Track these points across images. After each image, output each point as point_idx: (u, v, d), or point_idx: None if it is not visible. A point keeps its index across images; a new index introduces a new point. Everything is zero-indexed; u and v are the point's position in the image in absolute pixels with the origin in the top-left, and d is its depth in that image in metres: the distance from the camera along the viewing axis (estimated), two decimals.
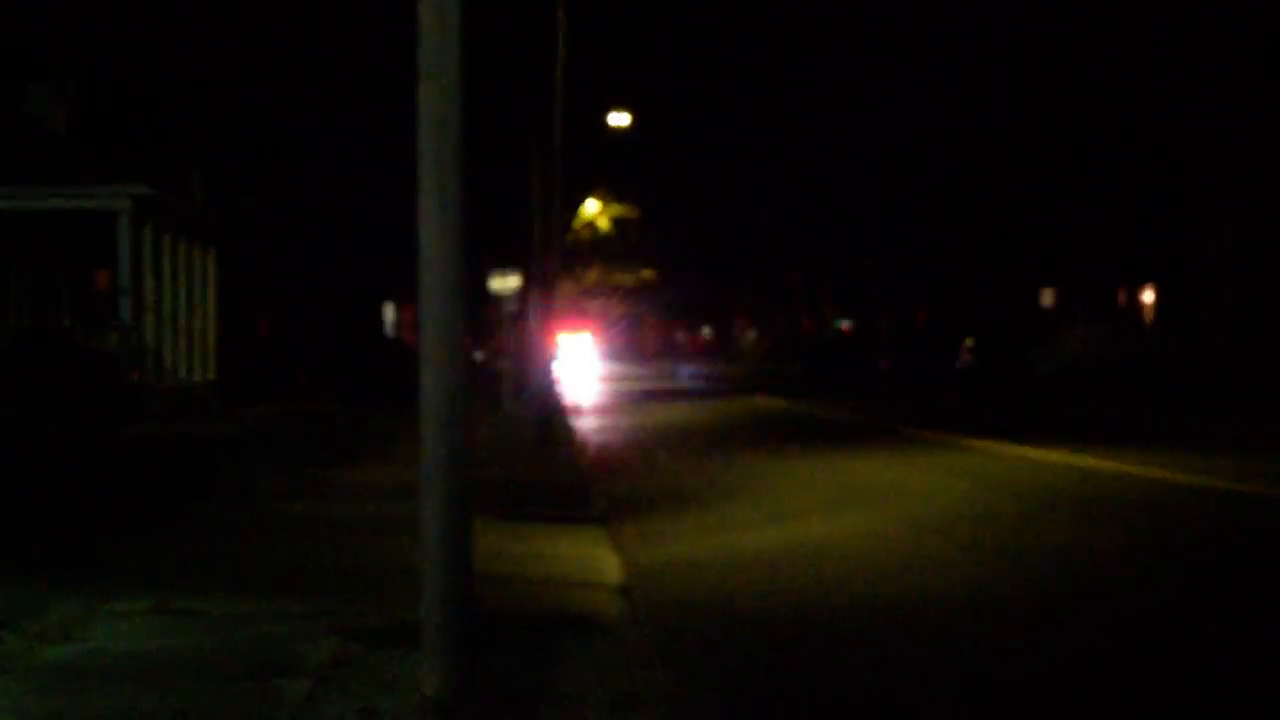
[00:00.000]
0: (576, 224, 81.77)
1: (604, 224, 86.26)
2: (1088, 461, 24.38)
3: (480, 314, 54.83)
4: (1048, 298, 74.18)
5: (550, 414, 30.80)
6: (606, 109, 54.72)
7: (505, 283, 39.01)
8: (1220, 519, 17.75)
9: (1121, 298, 70.79)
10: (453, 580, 8.28)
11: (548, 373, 32.48)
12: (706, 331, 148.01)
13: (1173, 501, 19.19)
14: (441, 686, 8.28)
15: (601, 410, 47.72)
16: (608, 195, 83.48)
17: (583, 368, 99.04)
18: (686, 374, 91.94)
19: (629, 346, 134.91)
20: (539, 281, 37.00)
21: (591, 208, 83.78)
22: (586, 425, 37.80)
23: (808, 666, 10.10)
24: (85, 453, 23.63)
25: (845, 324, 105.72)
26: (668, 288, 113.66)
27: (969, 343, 76.33)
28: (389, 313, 69.13)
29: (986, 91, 71.42)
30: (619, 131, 59.21)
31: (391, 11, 40.08)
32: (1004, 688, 9.50)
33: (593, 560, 14.68)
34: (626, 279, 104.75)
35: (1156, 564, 14.30)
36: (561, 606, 11.69)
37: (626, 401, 55.20)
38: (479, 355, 64.38)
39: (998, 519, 17.35)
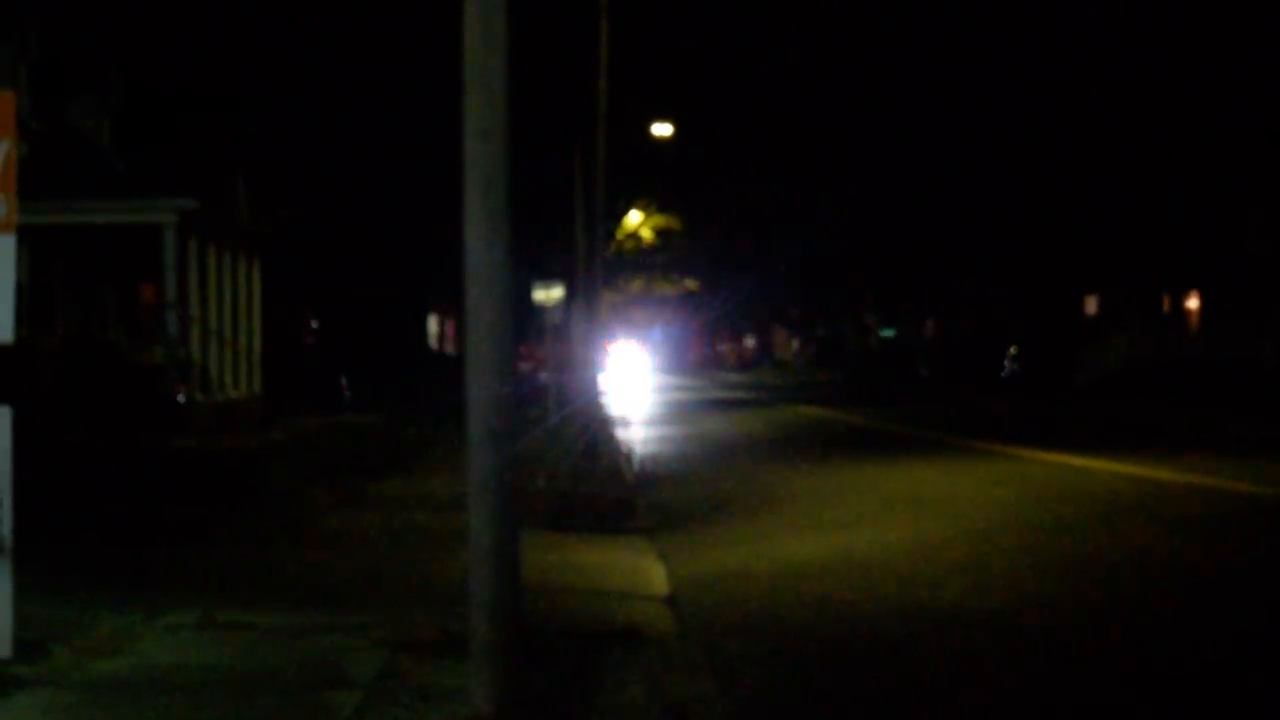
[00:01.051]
0: (620, 234, 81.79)
1: (647, 234, 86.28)
2: (1136, 469, 24.24)
3: (524, 325, 54.90)
4: (1091, 305, 73.99)
5: (596, 425, 30.77)
6: (650, 119, 54.73)
7: (549, 294, 38.98)
8: (1273, 527, 17.63)
9: (1166, 304, 70.50)
10: (501, 592, 8.26)
11: (593, 383, 32.48)
12: (750, 341, 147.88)
13: (1219, 508, 19.07)
14: (490, 698, 8.26)
15: (646, 421, 47.69)
16: (651, 205, 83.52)
17: (628, 378, 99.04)
18: (730, 384, 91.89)
19: (673, 357, 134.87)
20: (583, 292, 37.02)
21: (635, 218, 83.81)
22: (632, 436, 37.78)
23: (856, 678, 10.04)
24: (131, 465, 23.69)
25: (889, 333, 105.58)
26: (710, 298, 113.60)
27: (1013, 351, 76.10)
28: (432, 324, 69.26)
29: (1028, 97, 71.21)
30: (662, 141, 59.23)
31: (437, 20, 40.14)
32: (1055, 698, 9.44)
33: (639, 571, 14.66)
34: (669, 289, 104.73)
35: (1204, 572, 14.21)
36: (608, 618, 11.66)
37: (671, 412, 55.17)
38: (524, 366, 64.44)
39: (1044, 527, 17.25)
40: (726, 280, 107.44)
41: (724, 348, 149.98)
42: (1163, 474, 23.33)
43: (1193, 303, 69.15)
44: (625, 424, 44.49)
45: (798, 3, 75.84)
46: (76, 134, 39.38)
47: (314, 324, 56.69)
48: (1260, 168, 60.29)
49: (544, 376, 43.25)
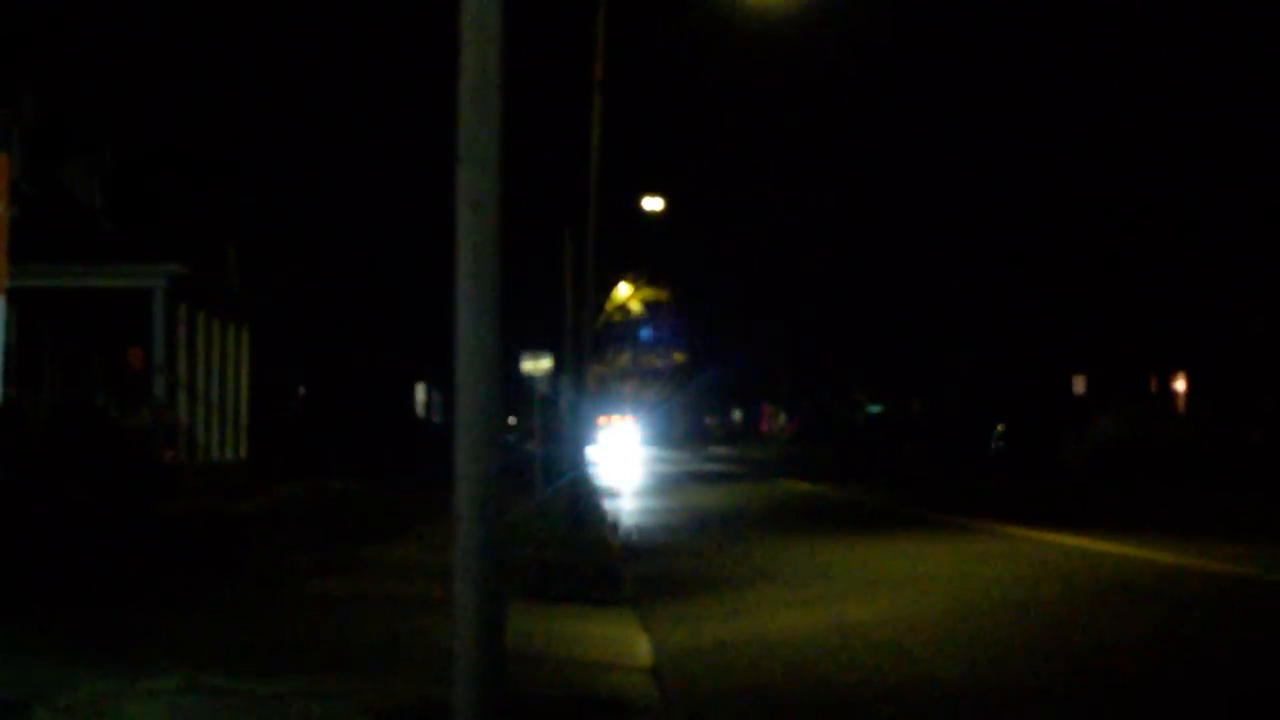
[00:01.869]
0: (609, 307, 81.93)
1: (636, 307, 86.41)
2: (1121, 549, 24.25)
3: (512, 395, 54.94)
4: (1079, 384, 74.15)
5: (582, 496, 30.77)
6: (641, 192, 54.93)
7: (537, 364, 39.01)
8: (1259, 609, 17.62)
9: (1153, 384, 70.70)
10: (485, 662, 8.26)
11: (580, 454, 32.49)
12: (736, 415, 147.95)
13: (1206, 590, 19.07)
14: None
15: (633, 492, 47.68)
16: (640, 278, 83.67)
17: (616, 449, 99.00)
18: (717, 457, 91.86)
19: (660, 429, 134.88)
20: (571, 363, 37.06)
21: (624, 290, 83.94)
22: (619, 507, 37.76)
23: None
24: (116, 528, 23.64)
25: (875, 409, 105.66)
26: (698, 371, 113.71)
27: (1000, 429, 76.16)
28: (420, 392, 69.26)
29: (1018, 177, 71.52)
30: (653, 216, 59.43)
31: (430, 91, 40.33)
32: None
33: (623, 642, 14.64)
34: (656, 362, 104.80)
35: (1187, 654, 14.20)
36: (592, 688, 11.65)
37: (657, 484, 55.16)
38: (511, 437, 64.41)
39: (1030, 606, 17.25)
40: (714, 354, 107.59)
41: (710, 421, 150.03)
42: (1150, 554, 23.34)
43: (1180, 384, 69.38)
44: (612, 495, 44.47)
45: (787, 80, 76.16)
46: (68, 197, 39.46)
47: (302, 390, 56.69)
48: (1249, 251, 60.56)
49: (531, 447, 43.27)
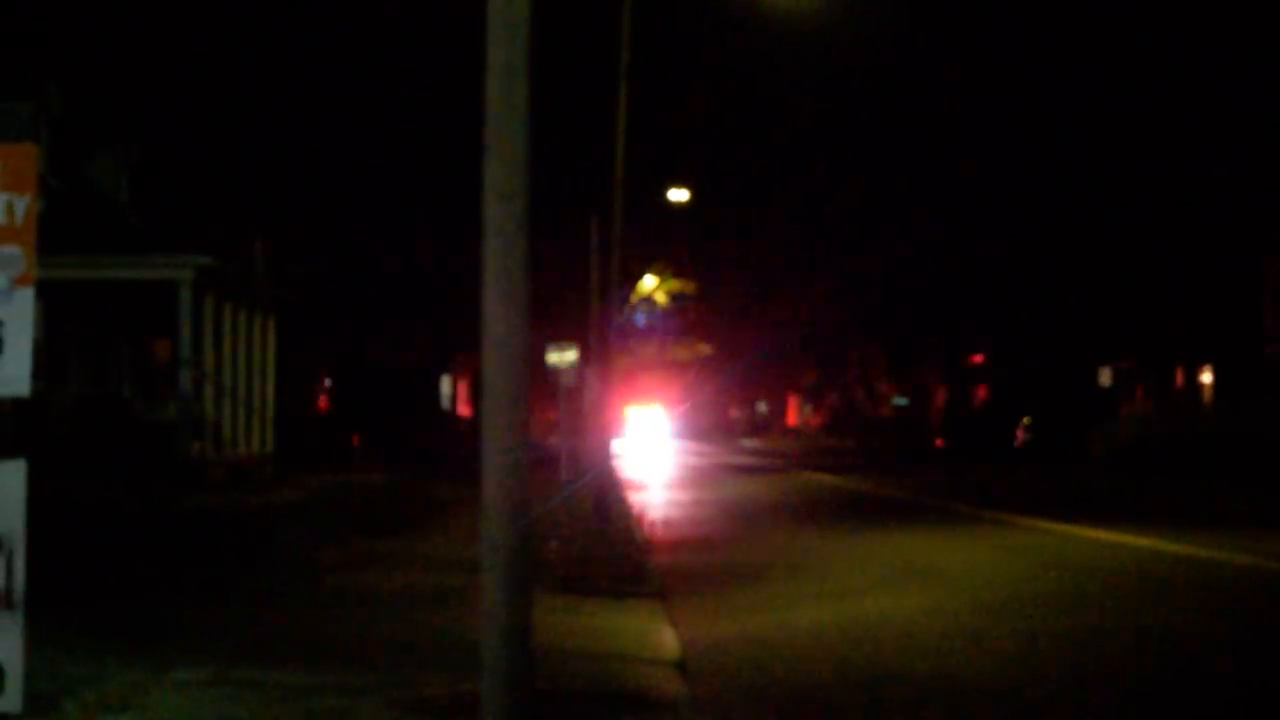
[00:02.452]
0: (635, 298, 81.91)
1: (662, 298, 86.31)
2: (1148, 542, 24.19)
3: (538, 388, 54.90)
4: (1105, 376, 73.91)
5: (608, 488, 30.76)
6: (668, 183, 54.89)
7: (563, 356, 39.02)
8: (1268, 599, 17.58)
9: (1179, 378, 70.48)
10: (512, 654, 8.26)
11: (605, 447, 32.48)
12: (762, 407, 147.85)
13: (1233, 584, 19.03)
14: None
15: (659, 485, 47.68)
16: (667, 270, 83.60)
17: (641, 442, 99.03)
18: (742, 449, 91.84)
19: (686, 422, 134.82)
20: (597, 356, 37.04)
21: (649, 282, 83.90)
22: (644, 500, 37.76)
23: None
24: (143, 521, 23.70)
25: (902, 401, 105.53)
26: (724, 363, 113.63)
27: (1027, 421, 75.99)
28: (445, 385, 69.30)
29: (1043, 168, 71.36)
30: (679, 206, 59.39)
31: (457, 84, 40.32)
32: None
33: (649, 635, 14.63)
34: (682, 353, 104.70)
35: (1213, 647, 14.16)
36: (618, 682, 11.64)
37: (683, 476, 55.16)
38: (537, 430, 64.43)
39: (1057, 600, 17.21)
40: (740, 346, 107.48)
41: (737, 414, 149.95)
42: (1176, 548, 23.28)
43: (1206, 377, 69.11)
44: (638, 487, 44.47)
45: (815, 72, 76.04)
46: (94, 190, 39.52)
47: (328, 382, 56.76)
48: (1277, 244, 60.35)
49: (557, 440, 43.28)
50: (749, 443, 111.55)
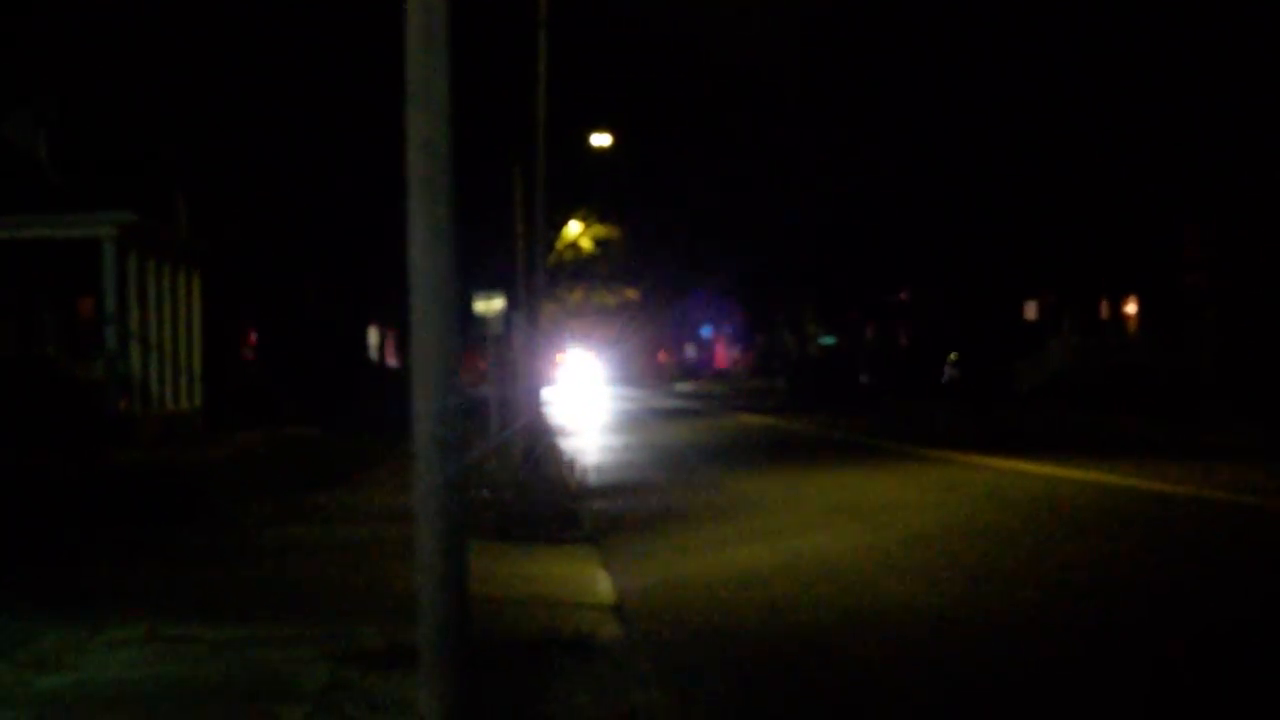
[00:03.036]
0: (560, 245, 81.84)
1: (587, 244, 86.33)
2: (1074, 474, 24.40)
3: (466, 336, 54.72)
4: (1031, 311, 74.34)
5: (538, 435, 30.77)
6: (590, 127, 54.81)
7: (490, 305, 38.93)
8: (1204, 528, 17.74)
9: (1104, 310, 70.89)
10: (448, 602, 8.25)
11: (535, 395, 32.49)
12: (691, 350, 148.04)
13: (1157, 511, 19.23)
14: (439, 709, 8.24)
15: (589, 430, 47.72)
16: (591, 216, 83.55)
17: (570, 388, 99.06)
18: (672, 393, 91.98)
19: (615, 367, 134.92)
20: (524, 303, 37.01)
21: (574, 228, 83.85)
22: (574, 445, 37.80)
23: (802, 684, 10.07)
24: (71, 481, 23.58)
25: (829, 340, 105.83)
26: (651, 307, 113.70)
27: (953, 357, 76.39)
28: (372, 336, 69.13)
29: (968, 104, 71.50)
30: (602, 151, 59.32)
31: (377, 34, 40.10)
32: (991, 703, 9.48)
33: (584, 580, 14.66)
34: (609, 299, 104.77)
35: (1143, 573, 14.29)
36: (555, 627, 11.66)
37: (613, 421, 55.21)
38: (466, 378, 64.33)
39: (985, 532, 17.33)
40: (667, 290, 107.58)
41: (665, 358, 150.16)
42: (1101, 478, 23.51)
43: (1131, 308, 69.56)
44: (569, 434, 44.50)
45: (740, 10, 75.92)
46: (12, 148, 39.17)
47: (254, 337, 56.53)
48: (1199, 175, 60.68)
49: (485, 388, 43.25)
50: (683, 386, 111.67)
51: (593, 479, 27.03)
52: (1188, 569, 14.60)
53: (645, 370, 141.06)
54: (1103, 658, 10.50)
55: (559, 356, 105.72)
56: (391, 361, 70.16)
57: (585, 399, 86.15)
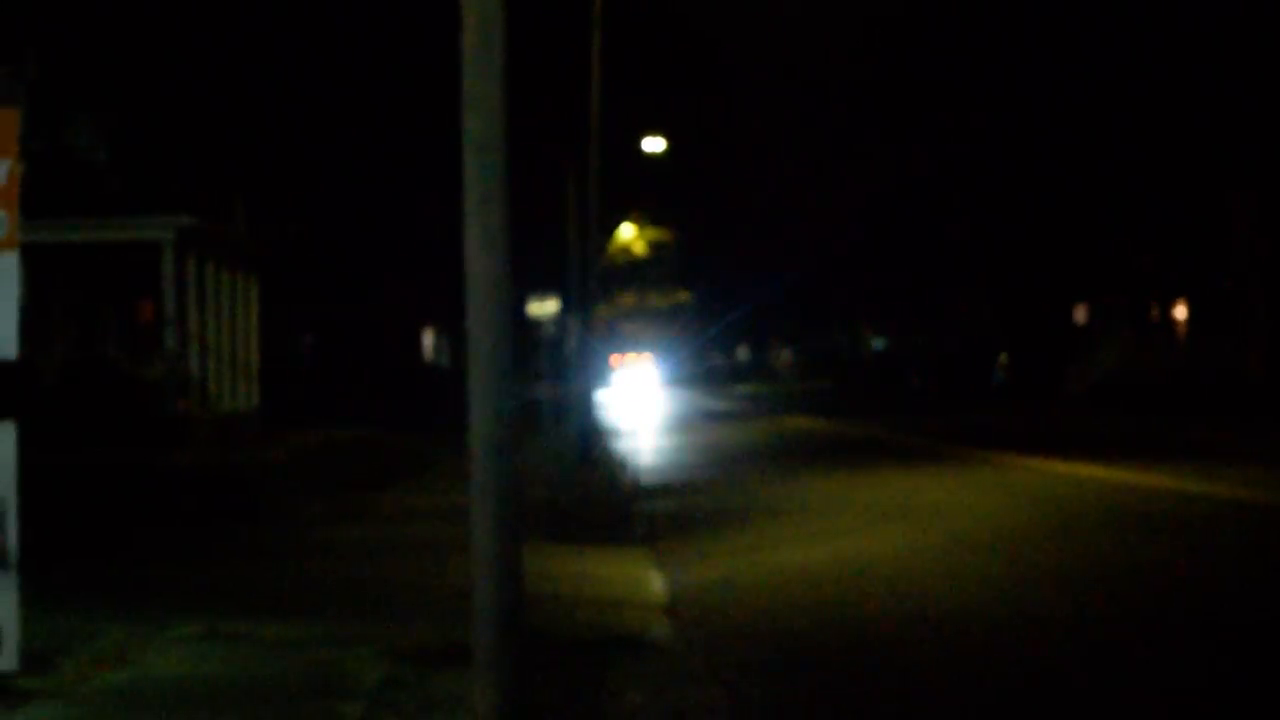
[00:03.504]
0: (612, 248, 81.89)
1: (640, 248, 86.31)
2: (1125, 476, 24.36)
3: (519, 338, 54.77)
4: (1080, 314, 73.99)
5: (592, 436, 30.89)
6: (644, 131, 54.85)
7: (544, 307, 39.10)
8: (1259, 533, 17.73)
9: (1154, 314, 70.59)
10: (503, 602, 8.39)
11: (589, 395, 32.60)
12: (743, 352, 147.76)
13: (1211, 516, 19.19)
14: (493, 706, 8.39)
15: (642, 431, 47.78)
16: (644, 219, 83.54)
17: (622, 389, 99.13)
18: (724, 394, 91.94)
19: (667, 369, 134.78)
20: (578, 305, 37.11)
21: (627, 232, 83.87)
22: (628, 446, 37.87)
23: (854, 684, 10.16)
24: (133, 480, 23.79)
25: (880, 343, 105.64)
26: (703, 310, 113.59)
27: (1003, 360, 76.17)
28: (428, 337, 69.28)
29: (1016, 110, 71.29)
30: (655, 156, 59.36)
31: (436, 39, 40.26)
32: (1044, 705, 9.55)
33: (638, 580, 14.78)
34: (662, 302, 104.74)
35: (1196, 578, 14.31)
36: (608, 626, 11.78)
37: (667, 423, 55.27)
38: (522, 379, 64.36)
39: (1037, 534, 17.34)
40: (720, 292, 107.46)
41: (717, 359, 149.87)
42: (1150, 481, 23.46)
43: (1180, 312, 69.27)
44: (623, 434, 44.59)
45: (791, 15, 75.83)
46: (74, 153, 39.43)
47: (311, 339, 56.75)
48: (1247, 179, 60.43)
49: (541, 389, 43.40)
50: (729, 387, 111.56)
51: (646, 479, 27.12)
52: (1231, 574, 14.63)
53: (697, 372, 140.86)
54: (1140, 660, 10.58)
55: (615, 359, 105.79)
56: (447, 362, 70.32)
57: (639, 401, 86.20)
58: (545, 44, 39.72)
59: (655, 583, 14.56)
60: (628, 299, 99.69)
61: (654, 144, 55.25)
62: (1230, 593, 13.41)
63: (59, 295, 36.97)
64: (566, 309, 40.26)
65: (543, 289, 39.76)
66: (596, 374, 41.20)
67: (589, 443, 30.20)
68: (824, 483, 26.50)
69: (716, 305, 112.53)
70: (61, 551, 15.41)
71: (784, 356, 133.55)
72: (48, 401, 33.37)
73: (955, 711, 9.42)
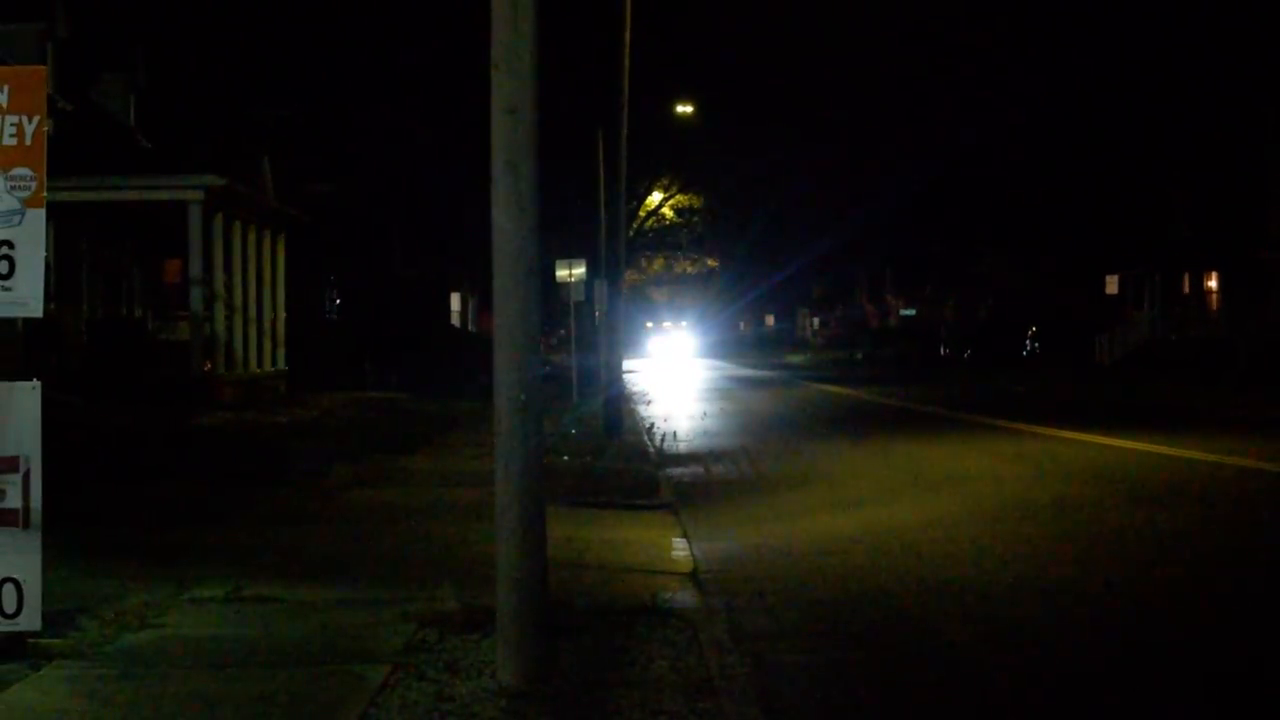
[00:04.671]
0: (642, 213, 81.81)
1: (669, 213, 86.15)
2: (1155, 447, 24.30)
3: (548, 303, 54.78)
4: (1112, 285, 73.94)
5: (619, 402, 30.83)
6: (674, 97, 54.74)
7: (572, 271, 39.02)
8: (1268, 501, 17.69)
9: (1185, 285, 70.50)
10: (527, 567, 8.34)
11: (616, 361, 32.51)
12: (771, 321, 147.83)
13: (1241, 486, 19.13)
14: (517, 672, 8.35)
15: (669, 398, 47.75)
16: (674, 185, 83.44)
17: (650, 356, 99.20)
18: (752, 362, 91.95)
19: (708, 337, 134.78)
20: (605, 271, 37.03)
21: (656, 198, 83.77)
22: (655, 413, 37.84)
23: (877, 651, 10.11)
24: (157, 441, 23.80)
25: (909, 312, 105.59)
26: (732, 276, 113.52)
27: (1034, 330, 76.11)
28: (455, 301, 69.31)
29: (1051, 81, 71.12)
30: (685, 120, 59.23)
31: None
32: (1067, 678, 9.49)
33: (662, 547, 14.73)
34: (690, 269, 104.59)
35: (1222, 549, 14.25)
36: (633, 593, 11.73)
37: (693, 390, 55.25)
38: (548, 343, 64.39)
39: (1064, 504, 17.30)
40: (749, 260, 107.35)
41: (745, 327, 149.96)
42: (1182, 452, 23.40)
43: (1212, 283, 69.14)
44: (650, 401, 44.56)
45: None
46: (102, 112, 39.45)
47: (337, 300, 56.80)
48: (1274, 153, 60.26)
49: (570, 355, 43.33)
50: (758, 355, 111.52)
51: (674, 447, 27.08)
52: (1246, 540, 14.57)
53: (725, 339, 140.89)
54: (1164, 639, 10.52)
55: (646, 325, 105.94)
56: (473, 326, 70.35)
57: (668, 368, 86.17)
58: (576, 4, 39.62)
59: (680, 549, 14.52)
60: (656, 265, 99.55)
61: (684, 108, 55.18)
62: (1255, 559, 13.35)
63: (86, 254, 37.02)
64: (594, 274, 40.18)
65: (571, 254, 39.68)
66: (627, 340, 41.15)
67: (617, 409, 30.13)
68: (850, 451, 26.45)
69: (746, 273, 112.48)
70: (85, 512, 15.40)
71: (813, 325, 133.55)
72: (73, 361, 33.43)
73: (981, 678, 9.35)
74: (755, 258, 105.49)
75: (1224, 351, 58.57)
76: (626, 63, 30.38)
